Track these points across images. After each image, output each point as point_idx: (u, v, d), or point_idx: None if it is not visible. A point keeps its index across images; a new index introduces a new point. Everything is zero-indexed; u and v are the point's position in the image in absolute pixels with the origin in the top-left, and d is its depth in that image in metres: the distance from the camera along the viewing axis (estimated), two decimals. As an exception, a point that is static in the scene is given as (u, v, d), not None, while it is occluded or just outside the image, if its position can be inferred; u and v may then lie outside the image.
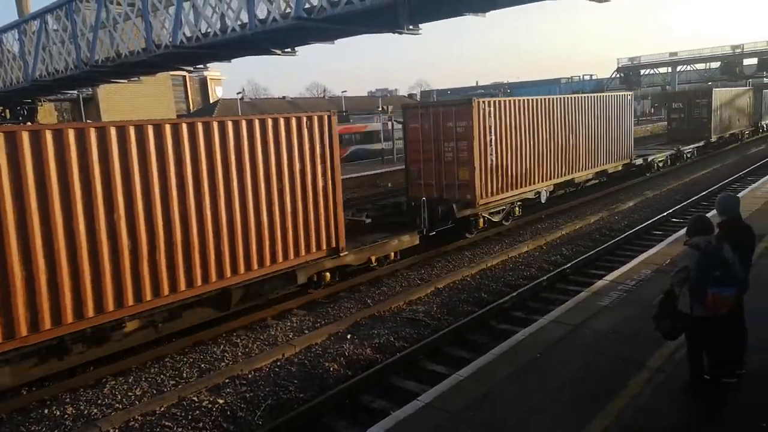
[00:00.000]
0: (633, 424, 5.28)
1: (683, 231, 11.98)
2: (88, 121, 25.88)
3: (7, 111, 26.43)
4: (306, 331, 9.72)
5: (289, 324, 10.10)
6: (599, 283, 9.44)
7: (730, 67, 61.88)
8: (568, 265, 12.46)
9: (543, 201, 17.40)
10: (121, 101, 27.26)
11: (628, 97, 22.79)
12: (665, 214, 17.25)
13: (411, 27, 12.66)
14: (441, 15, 13.02)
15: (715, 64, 65.03)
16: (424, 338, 9.10)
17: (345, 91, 52.44)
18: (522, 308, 10.41)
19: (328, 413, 7.10)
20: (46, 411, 7.42)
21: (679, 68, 66.58)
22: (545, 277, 11.67)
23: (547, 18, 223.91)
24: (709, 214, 5.90)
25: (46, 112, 28.79)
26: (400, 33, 12.86)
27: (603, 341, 7.08)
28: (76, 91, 26.05)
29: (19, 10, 29.39)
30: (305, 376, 8.11)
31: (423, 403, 5.89)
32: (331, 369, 8.26)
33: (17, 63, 21.10)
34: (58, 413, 7.35)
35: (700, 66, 67.01)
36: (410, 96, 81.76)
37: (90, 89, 26.80)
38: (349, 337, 9.41)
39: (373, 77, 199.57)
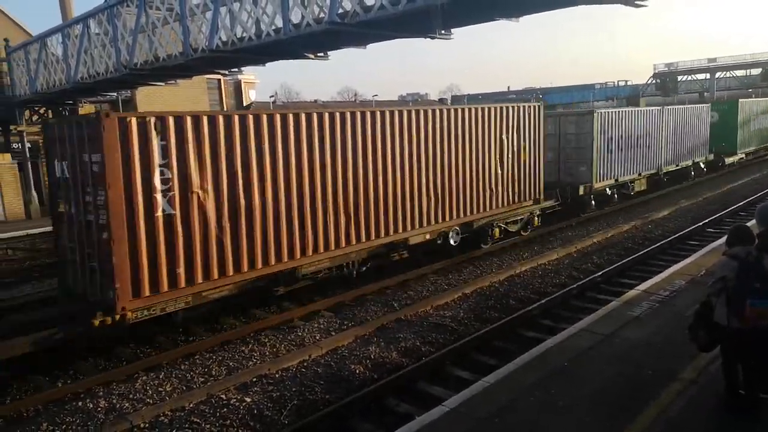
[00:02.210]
0: (664, 437, 5.15)
1: (719, 241, 11.73)
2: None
3: (50, 111, 27.29)
4: (333, 333, 9.78)
5: (316, 325, 10.17)
6: (631, 293, 9.25)
7: (772, 74, 60.04)
8: (599, 273, 12.24)
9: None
10: (158, 103, 27.89)
11: None
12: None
13: (443, 32, 12.63)
14: (474, 20, 12.96)
15: (756, 71, 63.18)
16: (451, 343, 9.06)
17: (376, 95, 52.75)
18: (551, 316, 10.27)
19: (354, 415, 7.12)
20: (80, 403, 7.62)
21: (718, 75, 64.86)
22: (575, 285, 11.49)
23: (581, 22, 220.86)
24: (749, 224, 5.73)
25: (86, 113, 29.70)
26: (433, 38, 12.84)
27: (634, 351, 6.94)
28: (115, 93, 26.75)
29: (63, 15, 30.39)
30: (331, 377, 8.16)
31: (448, 408, 5.86)
32: (357, 371, 8.29)
33: (60, 66, 21.78)
34: (91, 406, 7.55)
35: (740, 73, 65.16)
36: (441, 100, 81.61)
37: (128, 91, 27.52)
38: (375, 339, 9.42)
39: (404, 81, 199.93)
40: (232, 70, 20.60)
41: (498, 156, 14.31)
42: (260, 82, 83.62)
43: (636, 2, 10.51)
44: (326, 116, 10.71)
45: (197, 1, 15.37)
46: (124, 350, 9.34)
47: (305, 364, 8.65)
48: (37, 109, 27.24)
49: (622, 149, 19.86)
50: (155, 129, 8.46)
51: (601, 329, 7.68)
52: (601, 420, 5.47)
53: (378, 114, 11.55)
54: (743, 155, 31.18)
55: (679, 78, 67.47)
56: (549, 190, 16.95)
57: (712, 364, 6.15)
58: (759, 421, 5.29)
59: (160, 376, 8.37)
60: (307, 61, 16.26)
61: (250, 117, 9.66)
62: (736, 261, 4.96)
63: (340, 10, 11.89)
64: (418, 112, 12.46)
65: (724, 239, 5.54)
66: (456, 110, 13.28)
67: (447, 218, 13.26)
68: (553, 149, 18.88)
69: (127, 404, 7.59)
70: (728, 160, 29.56)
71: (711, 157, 27.55)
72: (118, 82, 20.96)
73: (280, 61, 17.57)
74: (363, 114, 11.31)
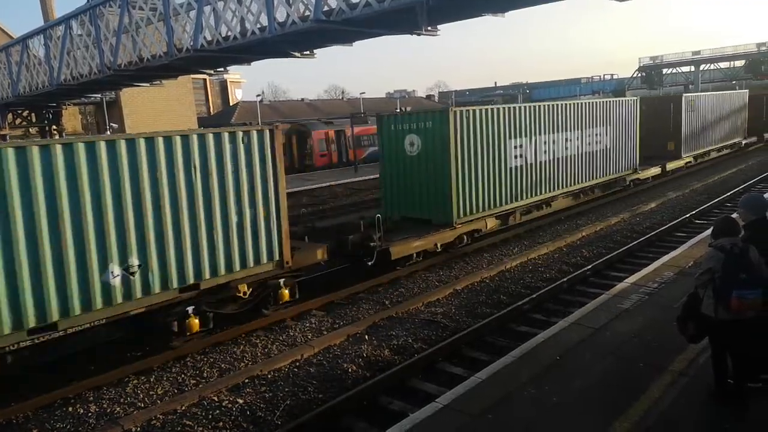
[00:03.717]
0: (654, 428, 5.20)
1: (706, 233, 11.87)
2: (112, 125, 26.49)
3: (33, 115, 27.01)
4: (325, 332, 9.77)
5: (308, 325, 10.15)
6: (620, 286, 9.33)
7: (755, 65, 60.72)
8: (589, 266, 12.33)
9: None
10: (143, 104, 27.70)
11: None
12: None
13: (429, 28, 12.65)
14: (459, 16, 13.00)
15: (740, 63, 63.91)
16: (443, 340, 9.08)
17: (363, 93, 52.53)
18: (542, 310, 10.32)
19: (347, 414, 7.11)
20: (70, 409, 7.55)
21: (702, 67, 65.54)
22: (565, 279, 11.56)
23: (567, 17, 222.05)
24: (734, 215, 5.79)
25: (71, 116, 29.36)
26: (419, 34, 12.87)
27: (624, 344, 6.99)
28: (99, 95, 26.52)
29: (44, 16, 30.04)
30: (324, 376, 8.15)
31: (441, 404, 5.88)
32: (350, 370, 8.28)
33: (43, 68, 21.54)
34: (81, 411, 7.48)
35: (724, 65, 65.93)
36: (428, 97, 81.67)
37: (113, 93, 27.28)
38: (367, 338, 9.43)
39: (391, 78, 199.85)
40: (218, 69, 20.50)
41: None
42: (247, 82, 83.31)
43: (620, -4, 10.58)
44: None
45: (181, 0, 15.26)
46: (114, 354, 9.25)
47: (297, 363, 8.63)
48: (20, 112, 26.94)
49: None
50: None
51: (591, 322, 7.73)
52: (594, 413, 5.52)
53: None
54: (480, 220, 14.16)
55: (664, 71, 68.11)
56: None
57: (701, 356, 6.22)
58: (747, 410, 5.36)
59: (151, 380, 8.31)
60: (294, 60, 16.23)
61: None
62: (723, 252, 5.01)
63: (326, 8, 11.87)
64: None
65: (710, 231, 5.59)
66: None
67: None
68: None
69: (118, 408, 7.53)
70: (398, 251, 12.15)
71: (261, 266, 9.83)
72: (102, 83, 20.80)
73: (267, 59, 17.51)
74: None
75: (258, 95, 49.80)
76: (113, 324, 8.32)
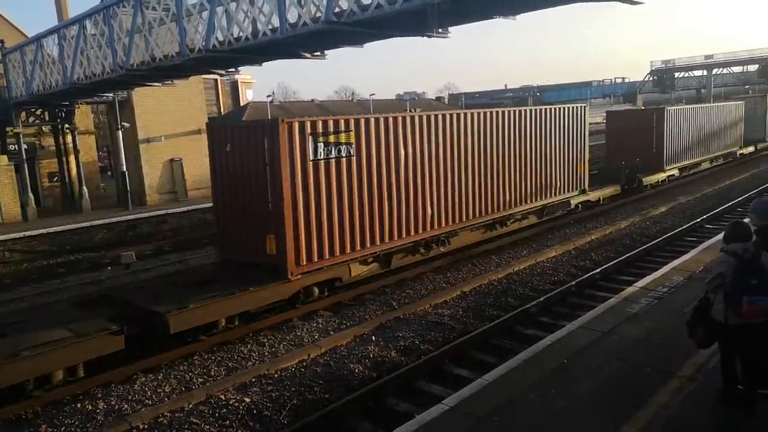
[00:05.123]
0: (663, 433, 5.16)
1: (717, 238, 11.76)
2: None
3: (46, 113, 27.20)
4: (331, 333, 9.78)
5: (315, 325, 10.17)
6: (629, 290, 9.27)
7: (769, 69, 60.25)
8: (597, 270, 12.25)
9: None
10: (154, 104, 27.83)
11: None
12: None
13: (440, 30, 12.61)
14: (470, 18, 12.96)
15: (753, 67, 63.38)
16: (450, 342, 9.06)
17: (373, 94, 52.39)
18: (549, 313, 10.27)
19: (353, 414, 7.12)
20: (78, 405, 7.62)
21: (714, 71, 64.99)
22: (573, 282, 11.50)
23: (578, 20, 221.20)
24: (746, 220, 5.74)
25: (83, 115, 29.54)
26: (429, 36, 12.83)
27: (632, 348, 6.95)
28: (111, 94, 26.68)
29: (59, 16, 30.32)
30: (330, 376, 8.16)
31: (448, 406, 5.86)
32: (356, 370, 8.29)
33: (56, 67, 21.71)
34: (90, 408, 7.54)
35: (737, 69, 65.33)
36: (438, 99, 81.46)
37: (125, 92, 27.45)
38: (374, 339, 9.42)
39: (401, 80, 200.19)
40: (229, 70, 20.57)
41: None
42: (257, 82, 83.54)
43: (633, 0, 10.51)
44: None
45: (194, 1, 15.34)
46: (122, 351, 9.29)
47: (304, 363, 8.65)
48: (33, 110, 27.17)
49: None
50: None
51: (599, 326, 7.69)
52: (600, 417, 5.48)
53: None
54: None
55: (676, 75, 67.66)
56: None
57: (710, 361, 6.16)
58: (756, 416, 5.30)
59: (159, 377, 8.36)
60: (304, 61, 16.25)
61: None
62: (734, 257, 4.96)
63: (337, 9, 11.87)
64: None
65: (721, 236, 5.55)
66: None
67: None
68: None
69: (126, 405, 7.58)
70: None
71: None
72: (115, 82, 20.90)
73: (277, 60, 17.56)
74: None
75: (268, 96, 49.81)
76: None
